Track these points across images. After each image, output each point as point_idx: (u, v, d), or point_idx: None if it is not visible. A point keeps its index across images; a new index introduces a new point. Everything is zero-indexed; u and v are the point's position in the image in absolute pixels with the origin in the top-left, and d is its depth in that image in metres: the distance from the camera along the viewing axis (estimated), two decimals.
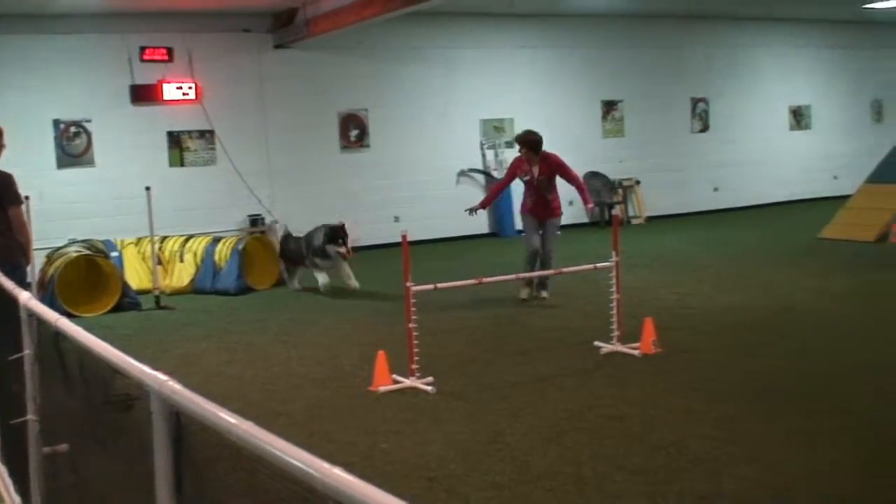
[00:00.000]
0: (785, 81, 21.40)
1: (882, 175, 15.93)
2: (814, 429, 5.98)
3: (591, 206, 11.70)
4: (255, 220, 15.42)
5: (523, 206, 11.05)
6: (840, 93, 22.28)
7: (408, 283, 7.41)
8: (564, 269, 8.85)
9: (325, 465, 2.30)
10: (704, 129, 20.30)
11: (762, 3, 18.35)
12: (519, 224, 17.60)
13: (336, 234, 11.81)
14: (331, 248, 11.76)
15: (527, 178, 10.84)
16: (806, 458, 5.47)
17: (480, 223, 17.60)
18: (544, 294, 10.82)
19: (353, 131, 16.49)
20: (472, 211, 11.17)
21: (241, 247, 12.62)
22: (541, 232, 10.81)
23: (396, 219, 16.03)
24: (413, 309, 7.40)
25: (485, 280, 8.31)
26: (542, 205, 10.81)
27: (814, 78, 21.89)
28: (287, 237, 13.06)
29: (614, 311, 8.26)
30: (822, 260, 13.08)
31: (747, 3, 18.41)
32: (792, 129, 21.62)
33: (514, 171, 11.06)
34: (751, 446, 5.71)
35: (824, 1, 18.42)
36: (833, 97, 22.15)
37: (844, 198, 16.58)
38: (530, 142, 10.80)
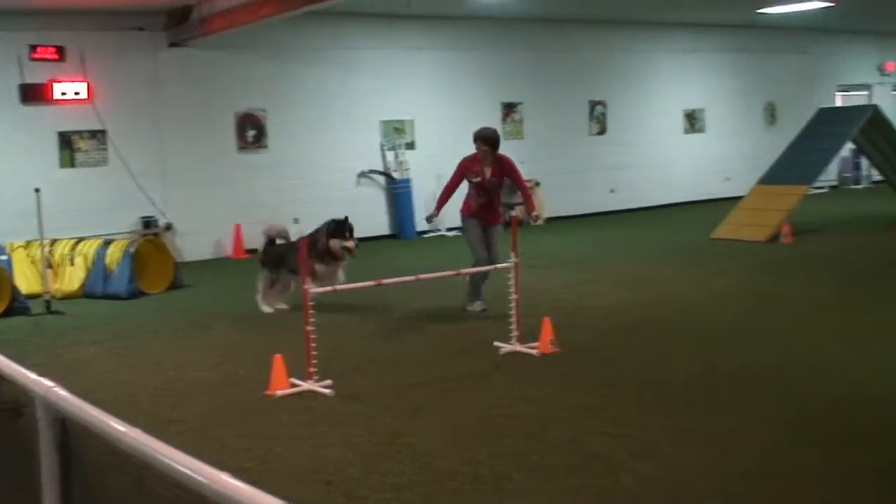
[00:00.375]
0: (679, 85, 21.84)
1: (774, 176, 16.34)
2: (708, 426, 6.08)
3: (535, 213, 10.81)
4: (148, 223, 15.09)
5: (467, 209, 10.17)
6: (733, 96, 22.81)
7: (305, 286, 7.33)
8: (463, 271, 8.85)
9: (213, 471, 2.24)
10: (602, 131, 20.57)
11: (657, 7, 18.68)
12: (421, 226, 17.68)
13: (341, 227, 10.39)
14: (335, 244, 10.22)
15: (477, 179, 10.03)
16: (699, 455, 5.56)
17: (381, 224, 17.58)
18: (479, 307, 10.13)
19: (251, 132, 16.27)
20: (429, 219, 10.49)
21: (132, 250, 12.31)
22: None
23: (296, 220, 15.82)
24: (311, 311, 7.32)
25: (384, 282, 8.26)
26: (488, 209, 10.08)
27: (707, 82, 22.36)
28: (271, 242, 11.27)
29: (513, 312, 8.29)
30: (715, 260, 13.35)
31: (642, 8, 18.73)
32: (686, 132, 22.06)
33: (462, 172, 10.20)
34: (647, 442, 5.78)
35: (718, 6, 18.83)
36: (726, 100, 22.67)
37: (738, 199, 16.95)
38: (493, 139, 10.06)
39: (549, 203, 19.39)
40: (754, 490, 5.02)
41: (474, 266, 9.80)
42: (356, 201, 17.14)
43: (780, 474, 5.21)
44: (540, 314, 8.62)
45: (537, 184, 19.24)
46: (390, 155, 17.59)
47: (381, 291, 9.52)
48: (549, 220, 19.22)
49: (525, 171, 18.66)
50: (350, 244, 10.28)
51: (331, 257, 10.28)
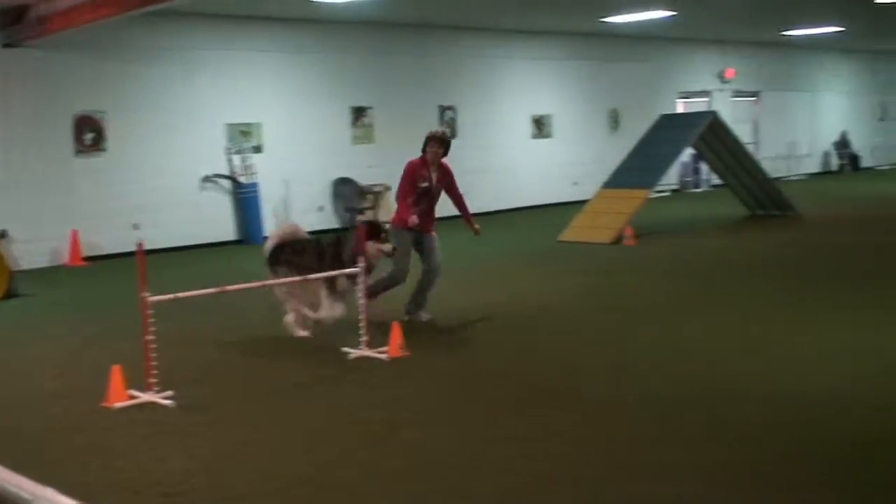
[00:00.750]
0: (527, 91, 22.17)
1: (617, 181, 16.73)
2: (558, 424, 6.12)
3: (477, 227, 10.02)
4: None
5: (402, 219, 9.40)
6: (579, 102, 23.31)
7: (144, 294, 7.06)
8: (310, 276, 8.71)
9: (38, 486, 2.11)
10: (452, 136, 20.63)
11: (503, 15, 18.91)
12: (268, 230, 17.42)
13: (377, 228, 9.11)
14: (373, 248, 8.78)
15: (425, 184, 9.46)
16: (550, 453, 5.58)
17: (226, 230, 17.22)
18: (425, 317, 9.64)
19: (88, 135, 15.66)
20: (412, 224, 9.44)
21: None
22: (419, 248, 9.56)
23: (136, 226, 15.38)
24: (151, 320, 7.06)
25: (229, 288, 8.06)
26: (428, 217, 9.54)
27: (554, 88, 22.79)
28: (283, 246, 9.26)
29: (362, 317, 8.21)
30: (562, 262, 13.56)
31: (490, 15, 18.94)
32: (534, 137, 22.41)
33: (413, 177, 9.50)
34: (491, 440, 5.78)
35: (562, 14, 19.19)
36: (572, 107, 23.14)
37: (584, 203, 17.30)
38: (448, 141, 9.62)
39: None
40: (617, 484, 5.07)
41: (391, 276, 9.44)
42: (200, 206, 16.82)
43: (630, 469, 5.27)
44: (390, 318, 8.56)
45: (387, 188, 19.22)
46: (236, 158, 17.26)
47: (226, 299, 9.30)
48: None
49: (376, 176, 18.84)
50: (388, 247, 8.98)
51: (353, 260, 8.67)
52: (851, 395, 6.49)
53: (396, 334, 8.15)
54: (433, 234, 9.65)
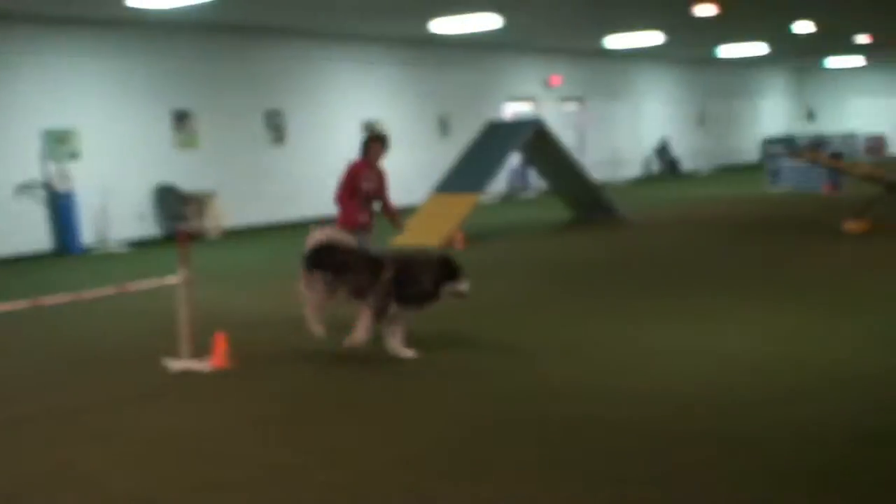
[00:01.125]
0: (357, 96, 22.07)
1: (447, 185, 16.79)
2: (387, 426, 6.09)
3: (401, 224, 9.83)
4: None
5: (352, 221, 9.32)
6: (408, 108, 23.35)
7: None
8: (129, 287, 8.32)
9: None
10: (280, 140, 20.36)
11: (331, 19, 18.74)
12: (89, 238, 16.72)
13: (455, 267, 8.19)
14: (450, 289, 8.07)
15: (368, 185, 9.38)
16: (382, 456, 5.53)
17: (40, 239, 16.41)
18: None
19: None
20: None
21: None
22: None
23: None
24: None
25: (42, 302, 7.64)
26: (369, 219, 9.48)
27: (383, 93, 22.76)
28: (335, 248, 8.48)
29: (184, 328, 7.91)
30: None
31: (317, 20, 18.74)
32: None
33: (356, 178, 9.37)
34: (326, 450, 5.67)
35: (391, 20, 19.15)
36: (402, 112, 23.16)
37: (415, 207, 17.28)
38: (388, 142, 9.56)
39: (228, 214, 18.95)
40: (441, 488, 4.98)
41: None
42: (14, 216, 15.99)
43: (465, 471, 5.20)
44: (215, 329, 8.27)
45: (213, 195, 18.77)
46: (52, 166, 16.48)
47: (43, 312, 8.84)
48: (229, 231, 18.78)
49: (200, 182, 18.35)
50: (464, 288, 8.16)
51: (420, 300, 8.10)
52: (660, 393, 6.62)
53: (221, 345, 7.88)
54: (369, 233, 9.57)
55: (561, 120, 27.59)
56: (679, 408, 6.27)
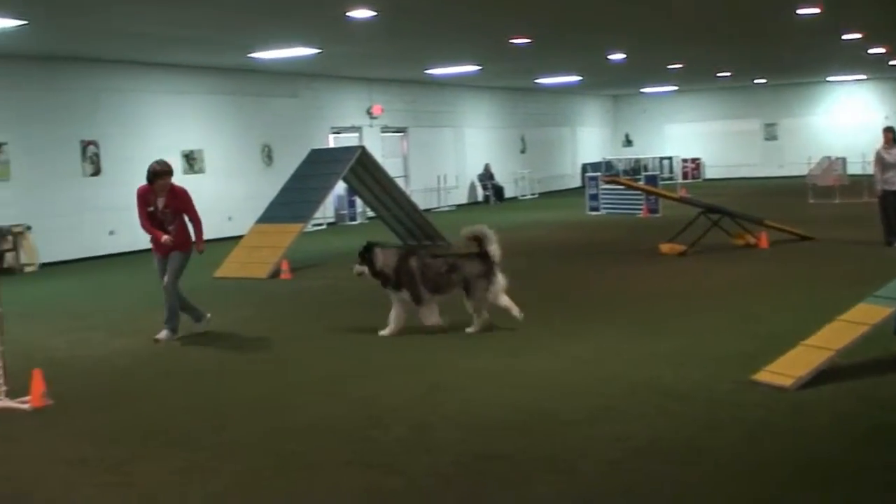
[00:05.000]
0: (175, 126, 21.76)
1: (271, 216, 16.78)
2: (203, 462, 6.05)
3: (201, 248, 10.65)
4: None
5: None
6: (230, 137, 23.18)
7: None
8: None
9: None
10: (97, 172, 19.89)
11: (142, 48, 18.41)
12: None
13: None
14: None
15: (151, 209, 10.31)
16: (197, 492, 5.51)
17: None
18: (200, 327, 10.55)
19: None
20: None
21: None
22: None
23: None
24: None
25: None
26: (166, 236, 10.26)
27: (204, 123, 22.52)
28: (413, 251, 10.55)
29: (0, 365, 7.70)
30: (216, 298, 13.33)
31: (128, 48, 18.39)
32: (186, 172, 21.98)
33: (142, 202, 10.38)
34: (145, 487, 5.62)
35: (207, 49, 19.00)
36: (224, 141, 22.98)
37: (240, 238, 17.18)
38: (170, 171, 10.47)
39: (43, 248, 18.37)
40: None
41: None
42: None
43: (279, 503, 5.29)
44: (31, 366, 8.08)
45: (28, 228, 18.18)
46: None
47: None
48: (45, 265, 18.21)
49: (14, 215, 17.74)
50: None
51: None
52: (464, 417, 6.87)
53: (38, 383, 7.70)
54: (175, 252, 10.38)
55: (385, 148, 27.94)
56: (493, 429, 6.50)
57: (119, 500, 5.43)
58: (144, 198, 10.33)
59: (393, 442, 6.29)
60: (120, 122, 20.37)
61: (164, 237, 10.19)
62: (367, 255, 10.04)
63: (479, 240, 10.01)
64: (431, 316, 10.03)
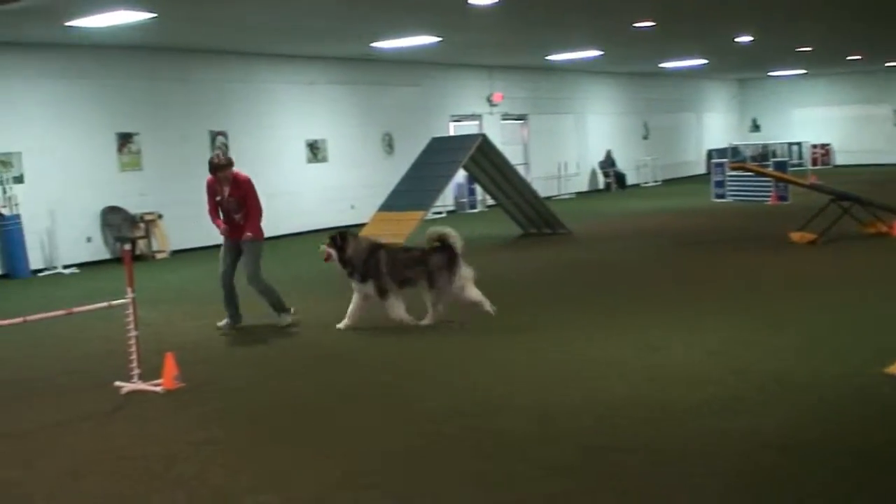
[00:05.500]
0: (301, 116, 22.13)
1: (392, 204, 16.92)
2: (327, 446, 6.13)
3: (248, 235, 10.60)
4: None
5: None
6: (353, 127, 23.44)
7: None
8: (76, 309, 8.35)
9: None
10: (221, 160, 20.30)
11: (272, 40, 18.79)
12: (35, 263, 16.64)
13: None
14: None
15: (218, 198, 10.51)
16: (322, 478, 5.58)
17: None
18: (286, 320, 10.51)
19: None
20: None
21: None
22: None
23: None
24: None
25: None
26: (232, 226, 10.52)
27: (327, 113, 22.83)
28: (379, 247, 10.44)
29: (133, 349, 7.96)
30: (338, 285, 13.48)
31: (257, 40, 18.77)
32: (310, 161, 22.37)
33: (209, 192, 10.61)
34: (272, 470, 5.73)
35: (331, 39, 19.26)
36: (347, 131, 23.25)
37: (362, 226, 17.38)
38: (212, 164, 10.50)
39: (175, 235, 18.94)
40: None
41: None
42: None
43: (404, 489, 5.32)
44: (164, 350, 8.33)
45: (160, 216, 18.75)
46: None
47: None
48: (176, 252, 18.75)
49: (146, 203, 18.32)
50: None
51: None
52: (593, 406, 6.80)
53: (170, 366, 7.95)
54: (241, 241, 10.54)
55: (505, 135, 27.87)
56: (611, 420, 6.42)
57: (248, 482, 5.54)
58: (211, 188, 10.55)
59: (517, 432, 6.27)
60: (247, 113, 20.82)
61: (223, 226, 10.56)
62: (339, 240, 10.25)
63: (442, 240, 10.13)
64: (397, 309, 10.12)
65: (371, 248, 10.19)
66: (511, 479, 5.38)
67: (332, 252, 10.23)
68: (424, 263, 10.09)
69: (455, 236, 10.09)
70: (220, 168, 10.39)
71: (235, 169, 10.49)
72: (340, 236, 10.31)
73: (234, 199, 10.45)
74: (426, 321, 10.08)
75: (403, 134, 24.41)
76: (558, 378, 7.64)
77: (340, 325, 10.16)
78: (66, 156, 17.46)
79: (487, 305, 10.07)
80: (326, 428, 6.59)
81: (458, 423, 6.53)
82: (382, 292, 10.09)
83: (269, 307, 10.56)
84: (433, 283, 10.04)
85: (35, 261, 16.82)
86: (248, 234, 10.48)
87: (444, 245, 10.10)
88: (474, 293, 10.10)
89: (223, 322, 10.61)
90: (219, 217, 10.57)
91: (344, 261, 10.17)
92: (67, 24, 14.52)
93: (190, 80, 19.64)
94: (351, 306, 10.22)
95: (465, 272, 10.07)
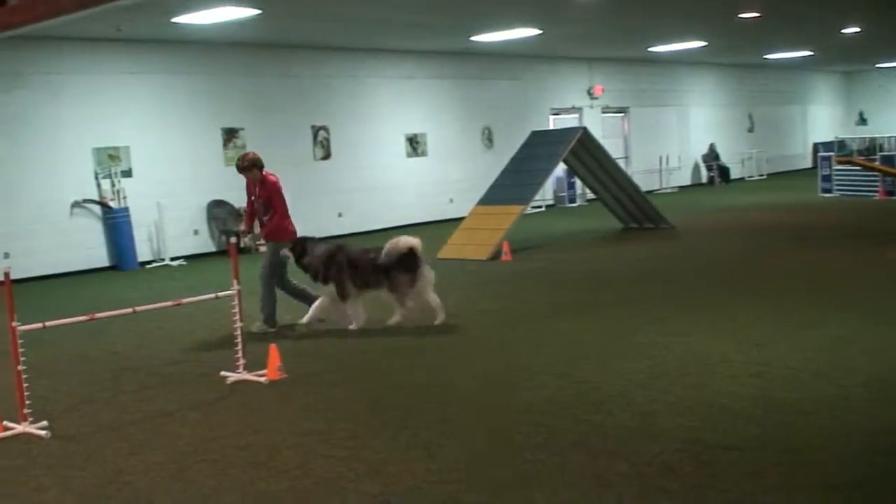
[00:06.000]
0: (400, 110, 22.26)
1: (492, 197, 16.90)
2: (435, 440, 6.14)
3: (260, 235, 10.84)
4: None
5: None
6: (453, 121, 23.49)
7: (13, 324, 6.83)
8: (185, 300, 8.55)
9: None
10: (327, 156, 20.61)
11: (373, 35, 18.95)
12: (142, 256, 17.08)
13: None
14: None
15: (253, 198, 10.61)
16: (428, 470, 5.59)
17: (98, 256, 16.77)
18: (257, 327, 10.22)
19: None
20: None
21: None
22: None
23: (6, 255, 14.90)
24: (21, 350, 6.85)
25: (98, 315, 7.86)
26: (262, 226, 10.57)
27: (427, 107, 22.92)
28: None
29: (238, 340, 8.11)
30: (439, 279, 13.53)
31: (359, 35, 18.95)
32: (409, 155, 22.49)
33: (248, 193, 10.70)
34: (373, 461, 5.77)
35: (432, 34, 19.32)
36: (446, 125, 23.31)
37: (460, 220, 17.42)
38: (237, 165, 10.57)
39: None
40: (482, 498, 5.09)
41: None
42: (70, 232, 16.34)
43: (507, 480, 5.31)
44: (267, 341, 8.47)
45: None
46: (105, 183, 16.85)
47: (97, 325, 9.11)
48: None
49: None
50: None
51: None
52: (703, 403, 6.68)
53: (274, 357, 8.08)
54: (268, 242, 10.55)
55: (605, 129, 27.62)
56: (714, 417, 6.33)
57: (349, 473, 5.59)
58: (249, 188, 10.59)
59: (617, 427, 6.21)
60: (348, 108, 21.02)
61: (244, 227, 10.97)
62: (298, 247, 10.23)
63: (402, 249, 9.97)
64: (356, 312, 10.08)
65: (331, 252, 10.15)
66: (616, 475, 5.33)
67: (290, 254, 10.29)
68: (385, 267, 9.99)
69: (415, 243, 9.98)
70: (244, 170, 10.40)
71: (266, 171, 10.45)
72: (298, 242, 10.32)
73: (261, 200, 10.44)
74: (393, 321, 10.11)
75: (503, 128, 24.38)
76: (660, 373, 7.54)
77: (303, 320, 10.22)
78: (173, 150, 17.87)
79: (439, 318, 10.07)
80: (425, 421, 6.60)
81: (559, 416, 6.49)
82: (343, 295, 10.05)
83: (260, 308, 10.38)
84: (393, 288, 9.98)
85: (143, 253, 17.26)
86: (262, 233, 10.59)
87: (408, 252, 9.97)
88: (432, 298, 10.09)
89: (305, 318, 10.37)
90: (253, 218, 10.72)
91: (303, 266, 10.21)
92: (174, 20, 14.85)
93: (291, 75, 19.91)
94: (317, 303, 10.22)
95: (427, 275, 10.01)
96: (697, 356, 8.06)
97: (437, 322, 10.02)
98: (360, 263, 10.09)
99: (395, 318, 10.17)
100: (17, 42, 14.70)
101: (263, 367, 8.09)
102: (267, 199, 10.38)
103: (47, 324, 7.17)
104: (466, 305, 11.35)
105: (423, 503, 5.09)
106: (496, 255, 15.34)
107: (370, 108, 21.55)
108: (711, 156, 32.24)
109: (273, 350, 8.11)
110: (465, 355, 8.73)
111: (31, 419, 6.86)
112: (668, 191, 29.46)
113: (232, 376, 8.07)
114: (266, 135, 19.25)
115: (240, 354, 8.10)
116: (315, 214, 20.20)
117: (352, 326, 10.09)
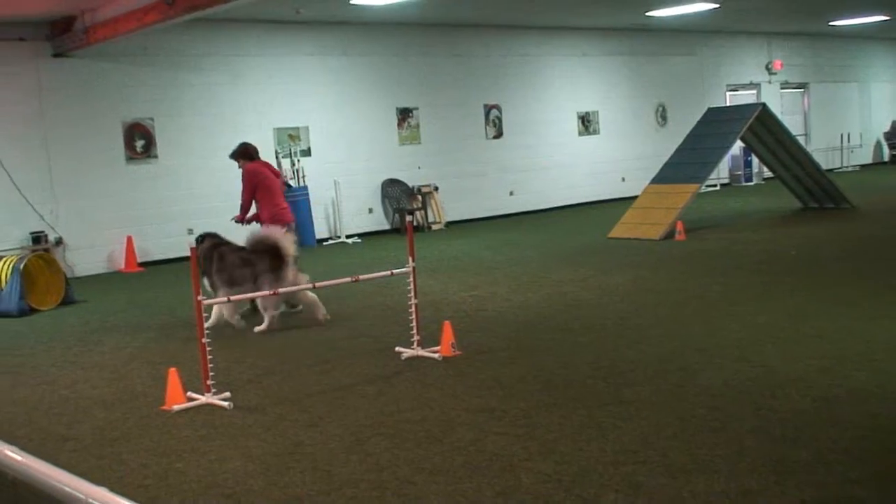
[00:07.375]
0: (572, 88, 22.11)
1: (666, 176, 16.63)
2: (607, 420, 6.11)
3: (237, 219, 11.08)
4: (38, 238, 14.65)
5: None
6: (625, 98, 23.20)
7: (198, 297, 7.15)
8: (362, 277, 8.76)
9: (91, 487, 2.14)
10: (499, 135, 20.70)
11: (546, 12, 18.88)
12: (320, 233, 17.57)
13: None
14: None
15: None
16: (600, 450, 5.57)
17: None
18: (235, 321, 10.07)
19: (139, 142, 15.89)
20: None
21: (21, 266, 11.91)
22: None
23: (190, 231, 15.58)
24: (205, 323, 7.16)
25: (280, 291, 8.12)
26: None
27: (599, 84, 22.70)
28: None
29: (413, 317, 8.26)
30: (611, 259, 13.50)
31: (532, 13, 18.91)
32: (581, 134, 22.34)
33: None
34: (546, 440, 5.78)
35: (607, 9, 19.11)
36: (619, 103, 23.04)
37: (632, 199, 17.21)
38: (231, 153, 11.01)
39: (449, 207, 19.47)
40: (658, 481, 5.04)
41: None
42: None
43: (683, 464, 5.25)
44: (441, 318, 8.59)
45: (436, 188, 19.30)
46: (286, 162, 17.39)
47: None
48: (450, 223, 19.28)
49: (423, 176, 18.91)
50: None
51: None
52: (886, 390, 6.42)
53: (448, 334, 8.19)
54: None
55: (784, 105, 26.75)
56: None
57: (522, 451, 5.63)
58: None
59: (796, 413, 6.04)
60: (520, 86, 21.03)
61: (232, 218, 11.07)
62: (199, 240, 10.25)
63: (265, 242, 9.70)
64: (227, 308, 9.75)
65: (212, 246, 10.02)
66: (796, 462, 5.19)
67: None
68: (252, 266, 9.73)
69: (283, 240, 9.67)
70: (233, 158, 10.90)
71: (254, 162, 10.81)
72: (201, 237, 10.35)
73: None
74: (260, 328, 9.75)
75: (677, 105, 23.93)
76: (843, 358, 7.28)
77: (209, 323, 9.64)
78: (350, 130, 18.28)
79: (321, 311, 9.87)
80: (598, 401, 6.57)
81: (735, 399, 6.36)
82: (214, 289, 9.88)
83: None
84: (259, 289, 9.46)
85: (320, 231, 17.75)
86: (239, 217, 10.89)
87: (273, 249, 9.65)
88: (309, 296, 9.87)
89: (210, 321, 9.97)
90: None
91: (198, 259, 10.05)
92: (352, 2, 15.17)
93: (463, 54, 20.04)
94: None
95: (291, 276, 9.59)
96: (885, 341, 7.75)
97: (322, 318, 9.88)
98: (230, 260, 9.88)
99: (261, 326, 9.79)
100: (200, 25, 15.29)
101: (437, 343, 8.21)
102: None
103: (231, 298, 7.46)
104: (638, 285, 11.23)
105: (597, 484, 5.07)
106: (669, 235, 15.11)
107: (542, 87, 21.50)
108: (894, 133, 30.79)
109: (447, 327, 8.22)
110: (637, 335, 8.64)
111: (214, 390, 7.16)
112: (849, 169, 28.33)
113: (406, 352, 8.23)
114: (439, 114, 19.48)
115: (414, 331, 8.24)
116: (487, 193, 20.37)
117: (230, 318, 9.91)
